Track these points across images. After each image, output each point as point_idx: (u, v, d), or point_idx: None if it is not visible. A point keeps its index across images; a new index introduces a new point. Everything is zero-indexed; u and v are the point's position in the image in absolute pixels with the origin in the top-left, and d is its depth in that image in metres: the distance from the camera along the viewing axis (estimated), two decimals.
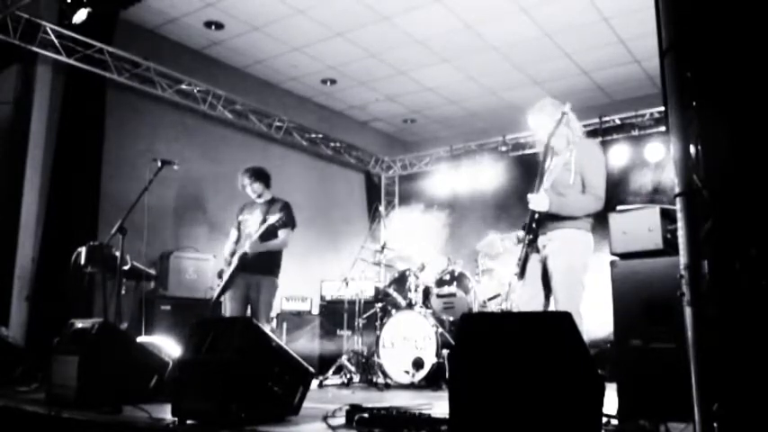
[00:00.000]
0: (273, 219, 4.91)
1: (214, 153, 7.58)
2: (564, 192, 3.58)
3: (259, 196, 5.32)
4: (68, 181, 6.04)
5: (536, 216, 3.61)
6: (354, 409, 2.98)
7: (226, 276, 5.05)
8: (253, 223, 5.16)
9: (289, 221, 5.09)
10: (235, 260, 5.01)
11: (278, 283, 5.21)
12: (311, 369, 3.37)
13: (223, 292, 5.06)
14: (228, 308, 5.08)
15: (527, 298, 3.72)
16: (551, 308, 3.63)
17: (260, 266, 5.01)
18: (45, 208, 5.99)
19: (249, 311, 5.09)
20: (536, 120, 3.80)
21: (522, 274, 3.70)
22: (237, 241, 5.24)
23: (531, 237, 3.65)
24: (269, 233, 4.98)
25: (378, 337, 5.85)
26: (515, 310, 6.00)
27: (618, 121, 7.87)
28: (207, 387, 3.03)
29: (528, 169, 8.30)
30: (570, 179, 3.58)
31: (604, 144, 7.62)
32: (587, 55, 7.42)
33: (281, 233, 5.08)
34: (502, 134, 8.73)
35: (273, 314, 7.13)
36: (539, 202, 3.54)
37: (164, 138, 7.04)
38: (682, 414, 2.40)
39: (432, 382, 5.48)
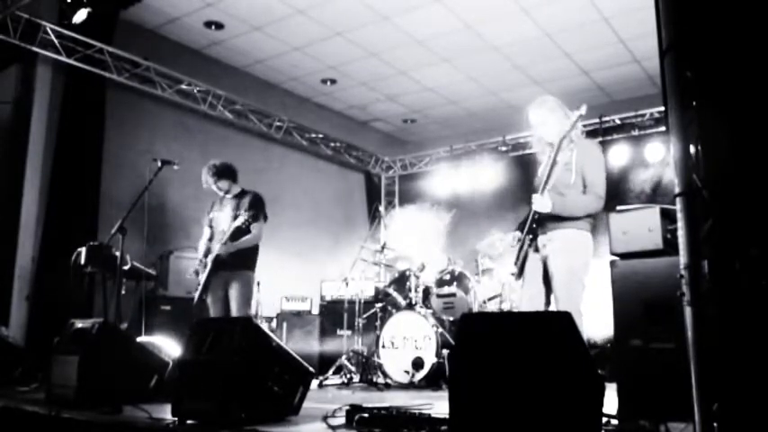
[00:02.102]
0: (240, 221, 4.74)
1: (214, 153, 7.52)
2: (564, 192, 3.58)
3: (227, 192, 5.12)
4: (68, 181, 6.04)
5: (536, 216, 3.61)
6: (354, 409, 2.98)
7: (203, 279, 4.91)
8: (223, 220, 4.98)
9: (259, 215, 4.90)
10: (209, 262, 4.88)
11: (253, 276, 5.03)
12: (311, 369, 3.37)
13: (203, 293, 4.93)
14: (211, 311, 4.95)
15: (528, 298, 3.71)
16: (552, 307, 3.63)
17: (232, 262, 4.86)
18: (45, 208, 5.99)
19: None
20: (537, 115, 3.76)
21: (520, 273, 3.71)
22: (211, 239, 5.09)
23: (530, 236, 3.65)
24: (240, 231, 4.83)
25: (378, 337, 5.84)
26: (515, 309, 6.00)
27: (618, 121, 7.88)
28: (207, 387, 3.03)
29: (528, 169, 8.29)
30: (571, 179, 3.58)
31: (604, 144, 7.62)
32: (587, 55, 7.43)
33: (254, 228, 4.89)
34: (502, 134, 8.74)
35: (273, 314, 7.15)
36: (542, 203, 3.54)
37: (164, 138, 7.04)
38: (682, 414, 2.39)
39: (432, 382, 5.47)
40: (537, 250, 3.66)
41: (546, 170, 3.59)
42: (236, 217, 4.85)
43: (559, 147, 3.56)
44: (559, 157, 3.62)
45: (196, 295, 4.96)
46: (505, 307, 6.15)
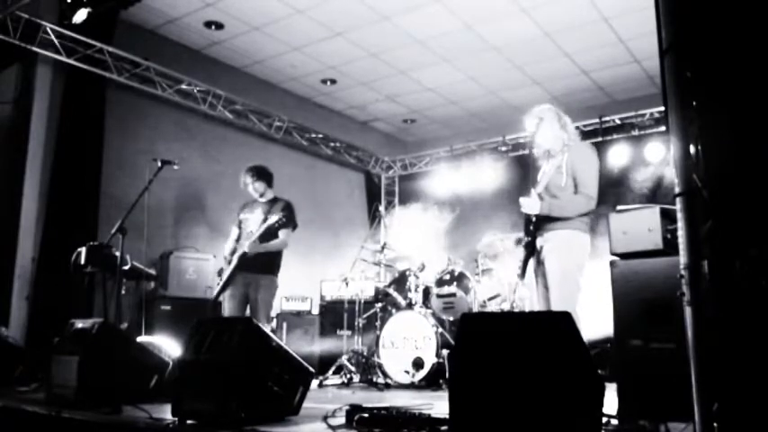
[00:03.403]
0: (273, 219, 4.87)
1: (214, 153, 7.59)
2: (557, 194, 3.67)
3: (261, 195, 5.28)
4: (68, 181, 6.04)
5: (532, 219, 3.67)
6: (354, 409, 2.98)
7: (225, 275, 5.03)
8: (253, 222, 5.12)
9: (289, 222, 5.04)
10: (234, 259, 4.98)
11: (277, 282, 5.17)
12: (311, 369, 3.38)
13: (222, 290, 5.04)
14: (227, 307, 5.03)
15: (529, 298, 3.79)
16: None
17: (259, 266, 4.98)
18: (45, 208, 5.99)
19: (249, 311, 5.05)
20: (532, 124, 3.87)
21: (522, 274, 3.77)
22: (238, 239, 5.21)
23: (528, 239, 3.71)
24: (269, 233, 4.95)
25: (378, 337, 5.85)
26: (519, 310, 6.02)
27: (618, 121, 7.87)
28: (207, 387, 3.03)
29: (528, 169, 8.29)
30: (563, 181, 3.66)
31: (604, 144, 7.63)
32: (587, 55, 7.42)
33: (281, 233, 5.04)
34: (502, 134, 8.73)
35: (273, 314, 7.15)
36: (529, 205, 3.62)
37: (164, 138, 7.04)
38: (682, 414, 2.39)
39: (432, 382, 5.48)
40: (536, 252, 3.71)
41: (532, 173, 3.75)
42: (266, 220, 4.97)
43: (531, 144, 3.75)
44: (553, 160, 3.74)
45: (215, 292, 5.05)
46: (505, 307, 6.15)
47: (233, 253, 5.10)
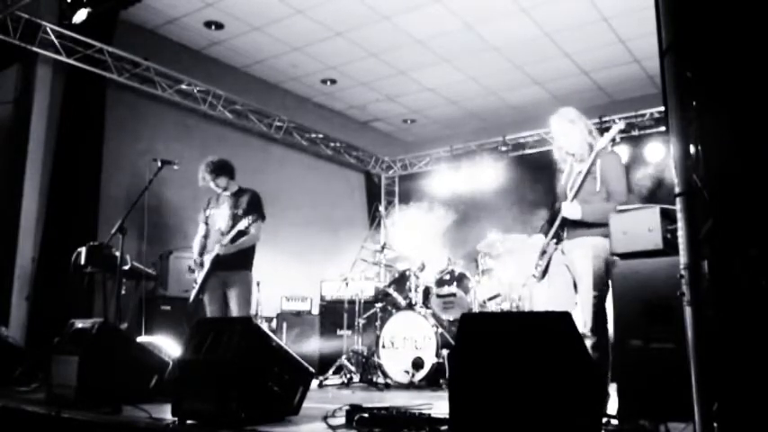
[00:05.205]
0: (243, 225, 4.71)
1: (214, 153, 7.52)
2: (589, 199, 3.66)
3: (225, 189, 5.04)
4: (68, 181, 6.04)
5: (563, 221, 3.69)
6: (354, 409, 2.99)
7: (200, 278, 4.87)
8: (221, 218, 4.92)
9: (258, 217, 4.85)
10: (207, 262, 4.84)
11: (251, 276, 4.99)
12: (311, 369, 3.38)
13: (200, 292, 4.89)
14: (208, 310, 4.89)
15: (546, 299, 3.79)
16: (578, 309, 3.65)
17: (231, 263, 4.82)
18: (45, 208, 5.99)
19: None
20: (559, 126, 3.88)
21: (543, 275, 3.80)
22: (206, 236, 5.01)
23: (554, 240, 3.76)
24: (241, 232, 4.79)
25: (378, 337, 5.84)
26: (519, 310, 6.02)
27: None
28: (207, 387, 3.03)
29: (528, 169, 8.30)
30: (596, 187, 3.66)
31: None
32: (587, 55, 7.42)
33: (252, 228, 4.84)
34: (502, 134, 8.73)
35: (273, 314, 7.15)
36: (572, 210, 3.62)
37: (164, 138, 7.04)
38: (682, 414, 2.39)
39: (432, 382, 5.48)
40: (561, 254, 3.75)
41: (576, 179, 3.68)
42: (234, 216, 4.82)
43: (595, 159, 3.66)
44: (580, 165, 3.75)
45: (192, 294, 4.92)
46: (505, 307, 6.15)
47: (202, 251, 4.94)
